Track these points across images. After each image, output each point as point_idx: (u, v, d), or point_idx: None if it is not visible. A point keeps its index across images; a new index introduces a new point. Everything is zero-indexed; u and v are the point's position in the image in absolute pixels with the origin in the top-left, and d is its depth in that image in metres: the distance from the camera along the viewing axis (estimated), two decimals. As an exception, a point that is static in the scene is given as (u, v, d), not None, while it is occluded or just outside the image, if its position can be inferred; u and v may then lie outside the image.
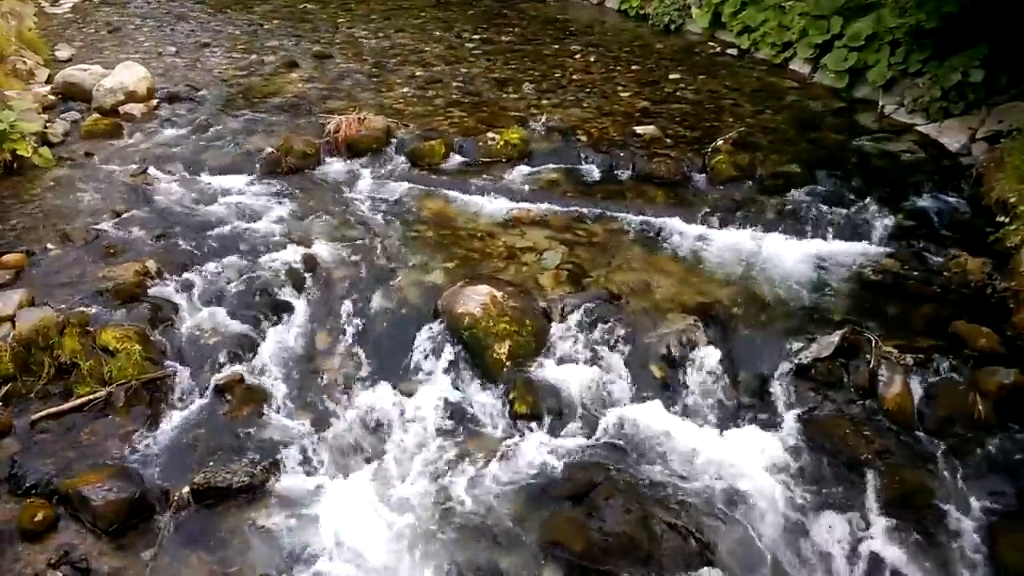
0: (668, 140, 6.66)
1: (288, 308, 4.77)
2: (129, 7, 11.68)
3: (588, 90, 7.97)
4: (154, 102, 7.47)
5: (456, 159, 6.49)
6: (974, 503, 3.67)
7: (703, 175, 6.14)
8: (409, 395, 4.32)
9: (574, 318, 4.58)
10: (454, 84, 8.18)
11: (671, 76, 8.38)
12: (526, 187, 6.06)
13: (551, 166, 6.32)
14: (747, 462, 3.86)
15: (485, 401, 4.26)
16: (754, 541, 3.57)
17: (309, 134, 6.68)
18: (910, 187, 5.86)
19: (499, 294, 4.60)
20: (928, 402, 4.06)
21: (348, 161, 6.48)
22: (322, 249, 5.23)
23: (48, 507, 3.53)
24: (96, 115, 7.11)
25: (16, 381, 4.09)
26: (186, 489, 3.67)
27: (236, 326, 4.59)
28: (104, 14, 11.24)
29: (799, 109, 7.42)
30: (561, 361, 4.43)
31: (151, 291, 4.72)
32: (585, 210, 5.78)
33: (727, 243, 5.38)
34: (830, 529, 3.62)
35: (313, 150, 6.47)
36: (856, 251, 5.24)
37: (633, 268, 5.12)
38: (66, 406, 3.99)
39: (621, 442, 4.01)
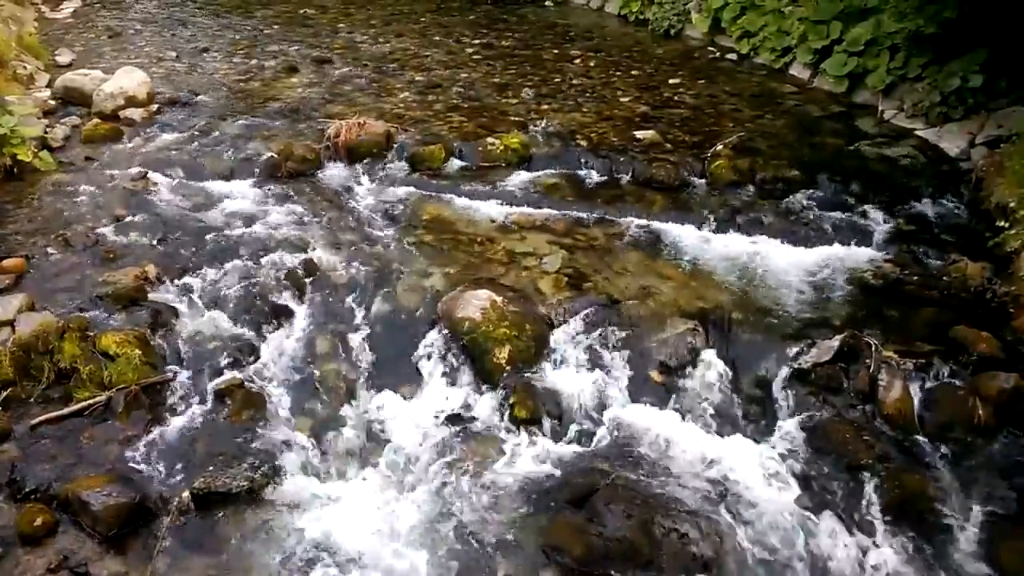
0: (668, 145, 6.67)
1: (288, 313, 4.77)
2: (129, 12, 11.69)
3: (588, 95, 7.98)
4: (154, 107, 7.46)
5: (456, 164, 6.49)
6: (974, 507, 3.68)
7: (703, 180, 6.15)
8: (409, 400, 4.33)
9: (574, 323, 4.59)
10: (454, 89, 8.19)
11: (671, 81, 8.39)
12: (526, 192, 6.06)
13: (551, 171, 6.32)
14: (747, 467, 3.87)
15: (485, 406, 4.26)
16: (754, 546, 3.56)
17: (309, 139, 6.69)
18: (910, 192, 5.87)
19: (499, 299, 4.61)
20: (928, 406, 4.06)
21: (348, 166, 6.47)
22: (322, 254, 5.23)
23: (48, 512, 3.52)
24: (96, 120, 7.10)
25: (16, 386, 4.08)
26: (186, 494, 3.67)
27: (236, 331, 4.59)
28: (104, 19, 11.24)
29: (799, 114, 7.43)
30: (561, 366, 4.43)
31: (151, 296, 4.71)
32: (585, 215, 5.78)
33: (727, 247, 5.38)
34: (830, 534, 3.62)
35: (313, 155, 6.48)
36: (856, 255, 5.25)
37: (633, 273, 5.12)
38: (66, 411, 3.99)
39: (621, 447, 4.01)
